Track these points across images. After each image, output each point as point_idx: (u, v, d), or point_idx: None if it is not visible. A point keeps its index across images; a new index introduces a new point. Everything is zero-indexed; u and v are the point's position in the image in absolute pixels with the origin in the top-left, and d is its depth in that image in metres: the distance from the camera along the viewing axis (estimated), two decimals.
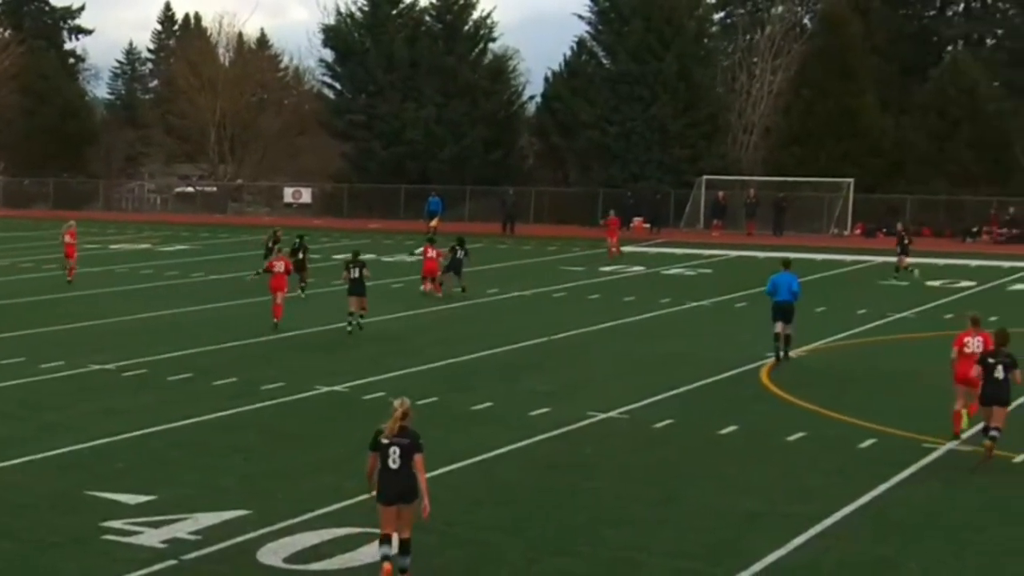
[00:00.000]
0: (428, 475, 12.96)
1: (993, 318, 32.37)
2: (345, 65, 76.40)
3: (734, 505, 15.60)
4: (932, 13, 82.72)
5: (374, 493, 12.90)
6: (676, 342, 28.67)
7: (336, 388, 22.53)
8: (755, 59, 73.30)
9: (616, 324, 31.31)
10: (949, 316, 33.29)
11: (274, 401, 21.51)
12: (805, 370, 25.21)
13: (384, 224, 65.93)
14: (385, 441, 12.69)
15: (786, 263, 27.13)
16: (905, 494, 16.18)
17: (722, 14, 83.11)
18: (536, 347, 27.61)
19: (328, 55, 77.65)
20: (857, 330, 30.59)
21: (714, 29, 77.33)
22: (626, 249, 51.24)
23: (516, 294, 37.24)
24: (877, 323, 31.81)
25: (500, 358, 26.23)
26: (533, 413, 20.54)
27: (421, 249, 38.48)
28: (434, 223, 57.93)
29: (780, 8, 76.31)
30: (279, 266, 31.05)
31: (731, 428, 19.61)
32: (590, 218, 65.64)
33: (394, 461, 12.64)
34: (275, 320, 30.07)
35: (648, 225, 63.82)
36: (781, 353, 25.82)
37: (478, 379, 23.85)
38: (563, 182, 73.03)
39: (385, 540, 12.74)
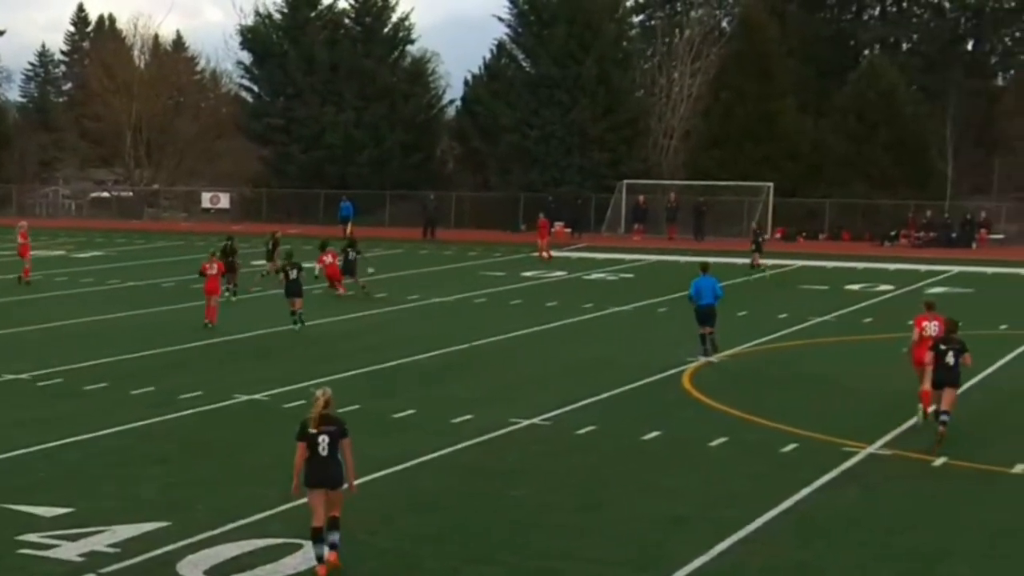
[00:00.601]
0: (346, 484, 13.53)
1: (911, 321, 32.88)
2: (263, 68, 75.90)
3: (658, 511, 15.71)
4: (849, 17, 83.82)
5: (296, 483, 13.38)
6: (598, 347, 28.80)
7: (256, 396, 22.40)
8: (674, 62, 73.76)
9: (538, 330, 31.40)
10: (868, 320, 33.76)
11: (194, 410, 21.35)
12: (727, 375, 25.42)
13: (303, 229, 65.46)
14: (313, 431, 13.19)
15: (704, 267, 28.00)
16: (827, 498, 16.37)
17: (641, 17, 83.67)
18: (458, 353, 27.63)
19: (246, 57, 77.15)
20: (778, 334, 30.90)
21: (633, 32, 77.77)
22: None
23: (438, 300, 37.22)
24: (798, 327, 32.14)
25: (422, 364, 26.21)
26: (455, 420, 20.55)
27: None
28: (349, 228, 57.72)
29: (699, 11, 76.88)
30: (212, 269, 31.66)
31: (654, 434, 19.73)
32: (511, 223, 65.78)
33: (323, 449, 13.18)
34: (208, 322, 30.56)
35: (569, 230, 64.03)
36: (711, 356, 26.56)
37: (400, 386, 23.83)
38: (484, 186, 73.01)
39: (318, 538, 13.15)
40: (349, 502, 13.67)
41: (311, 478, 13.24)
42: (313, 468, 13.20)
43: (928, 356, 19.46)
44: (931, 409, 19.66)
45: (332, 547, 13.28)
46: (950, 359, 19.26)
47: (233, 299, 36.15)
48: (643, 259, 51.56)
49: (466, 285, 40.71)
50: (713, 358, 26.57)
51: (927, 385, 19.59)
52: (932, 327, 20.68)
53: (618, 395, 22.99)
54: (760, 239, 42.93)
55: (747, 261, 47.67)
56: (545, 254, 49.93)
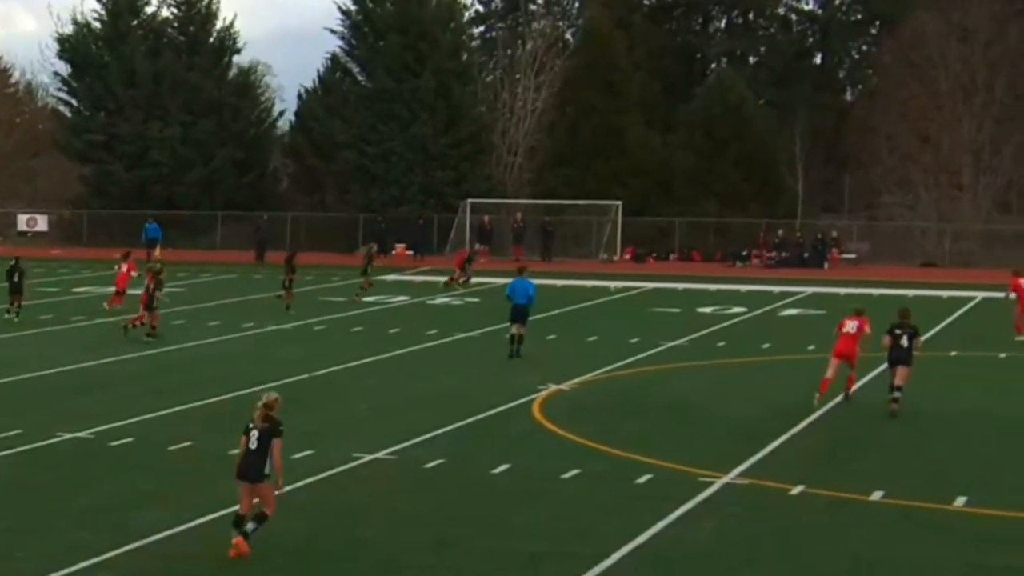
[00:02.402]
0: (185, 526, 15.36)
1: (765, 345, 33.63)
2: (82, 80, 74.42)
3: (512, 547, 15.79)
4: (695, 29, 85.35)
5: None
6: (445, 376, 28.84)
7: (80, 434, 21.96)
8: (517, 75, 74.19)
9: (381, 358, 31.34)
10: (722, 344, 34.33)
11: (13, 450, 20.85)
12: (578, 403, 25.63)
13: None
14: (250, 425, 15.31)
15: (521, 270, 32.64)
16: (684, 531, 16.59)
17: (482, 28, 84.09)
18: (297, 384, 27.38)
19: (63, 68, 75.59)
20: (630, 360, 31.26)
21: (474, 44, 78.11)
22: (389, 278, 51.41)
23: (274, 328, 36.92)
24: (650, 352, 32.54)
25: (259, 397, 25.84)
26: (295, 456, 20.32)
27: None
28: (157, 251, 56.78)
29: (541, 23, 77.46)
30: None
31: (504, 466, 19.81)
32: (350, 245, 65.54)
33: (253, 443, 15.23)
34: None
35: (411, 252, 63.99)
36: (515, 351, 30.23)
37: (234, 420, 23.45)
38: (320, 206, 72.56)
39: (236, 523, 15.05)
40: (188, 549, 13.50)
41: (238, 469, 15.26)
42: (241, 460, 15.26)
43: (886, 339, 24.32)
44: (824, 394, 24.59)
45: (244, 535, 14.94)
46: (904, 341, 24.11)
47: (16, 320, 36.62)
48: (489, 282, 51.65)
49: (304, 312, 40.43)
50: (564, 386, 26.79)
51: (829, 374, 24.60)
52: (852, 325, 25.09)
53: (466, 426, 23.04)
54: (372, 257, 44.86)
55: (598, 284, 48.12)
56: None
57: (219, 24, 76.37)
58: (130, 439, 21.53)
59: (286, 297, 41.47)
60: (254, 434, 15.20)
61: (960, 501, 17.97)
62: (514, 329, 30.82)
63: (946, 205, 66.46)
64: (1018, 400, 26.55)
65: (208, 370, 29.57)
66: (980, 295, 46.39)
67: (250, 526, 15.06)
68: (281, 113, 79.39)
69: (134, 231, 69.57)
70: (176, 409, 24.27)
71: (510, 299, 31.16)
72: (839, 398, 25.32)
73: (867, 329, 25.15)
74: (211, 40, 76.06)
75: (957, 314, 40.82)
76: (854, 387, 25.63)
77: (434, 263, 60.16)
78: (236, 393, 26.04)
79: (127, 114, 72.82)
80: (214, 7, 76.05)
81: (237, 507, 15.40)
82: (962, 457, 21.26)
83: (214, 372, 29.16)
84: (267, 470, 15.17)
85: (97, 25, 75.18)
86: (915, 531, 16.71)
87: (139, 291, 35.29)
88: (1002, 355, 32.10)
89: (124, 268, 39.33)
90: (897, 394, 23.89)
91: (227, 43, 76.52)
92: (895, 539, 16.36)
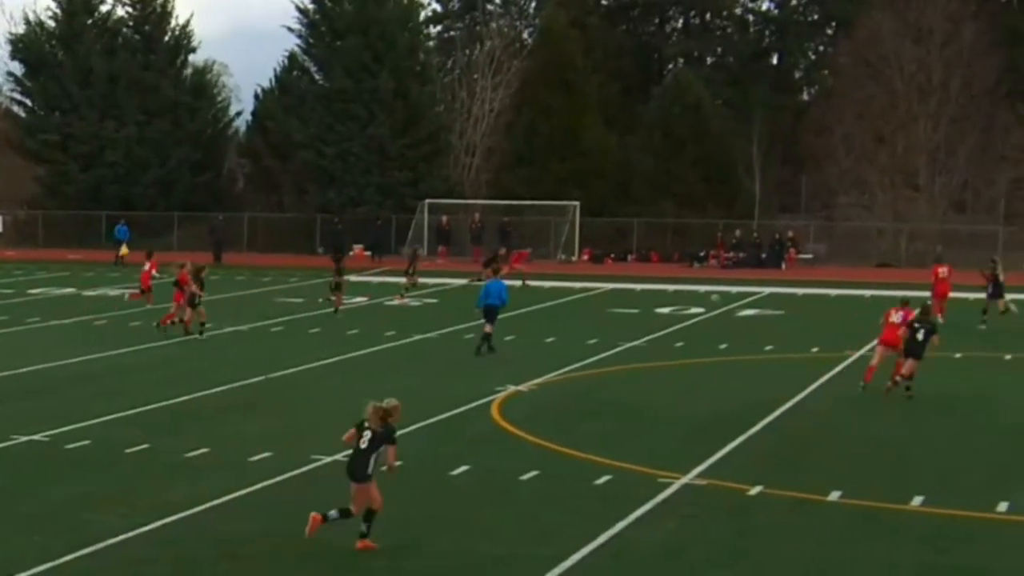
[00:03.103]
0: (142, 529, 15.48)
1: (723, 345, 33.76)
2: (36, 79, 73.88)
3: (472, 549, 15.80)
4: (651, 29, 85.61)
5: None
6: (403, 377, 28.79)
7: (36, 437, 21.82)
8: (475, 75, 74.22)
9: (340, 359, 31.28)
10: (680, 344, 34.43)
11: None
12: (537, 404, 25.65)
13: (84, 254, 64.13)
14: (365, 424, 15.62)
15: (496, 271, 34.09)
16: (644, 532, 16.64)
17: (439, 28, 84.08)
18: (255, 386, 27.34)
19: (17, 68, 74.98)
20: (588, 360, 31.31)
21: (431, 44, 78.07)
22: (347, 279, 51.16)
23: (231, 329, 36.79)
24: (608, 353, 32.61)
25: (216, 399, 25.86)
26: (254, 459, 20.33)
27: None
28: (124, 250, 56.83)
29: (499, 23, 77.52)
30: None
31: (463, 468, 19.82)
32: (307, 245, 65.36)
33: (363, 443, 15.57)
34: None
35: (369, 253, 63.90)
36: (484, 355, 31.01)
37: (192, 423, 23.46)
38: (277, 207, 72.33)
39: (344, 513, 15.62)
40: (145, 553, 13.40)
41: (347, 467, 15.78)
42: (351, 459, 15.74)
43: (902, 331, 26.08)
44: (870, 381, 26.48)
45: (362, 535, 15.49)
46: (920, 336, 25.89)
47: None
48: (448, 283, 51.73)
49: (261, 313, 40.32)
50: (523, 387, 26.84)
51: (875, 362, 26.69)
52: (898, 316, 26.72)
53: (425, 428, 23.00)
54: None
55: (557, 285, 48.17)
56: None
57: (174, 23, 76.12)
58: (86, 442, 21.42)
59: (336, 300, 40.22)
60: (367, 434, 15.53)
61: (917, 501, 18.09)
62: (488, 328, 31.67)
63: (902, 205, 66.87)
64: (974, 399, 26.77)
65: (165, 372, 29.41)
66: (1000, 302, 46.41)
67: (363, 527, 15.55)
68: (238, 114, 79.20)
69: (90, 232, 69.39)
70: (133, 411, 24.14)
71: (482, 301, 31.98)
72: (787, 405, 25.40)
73: (935, 342, 26.39)
74: (166, 39, 75.71)
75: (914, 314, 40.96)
76: (903, 371, 26.44)
77: (392, 264, 60.05)
78: (194, 395, 25.98)
79: (82, 113, 72.41)
80: (169, 6, 75.73)
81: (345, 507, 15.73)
82: (919, 457, 21.39)
83: (171, 374, 29.01)
84: (369, 470, 15.52)
85: (51, 24, 74.70)
86: (872, 531, 16.81)
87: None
88: (957, 355, 32.34)
89: (147, 267, 40.41)
90: (908, 383, 25.97)
91: (182, 42, 76.19)
92: (853, 539, 16.46)
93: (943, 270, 39.95)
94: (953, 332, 33.82)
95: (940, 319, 36.08)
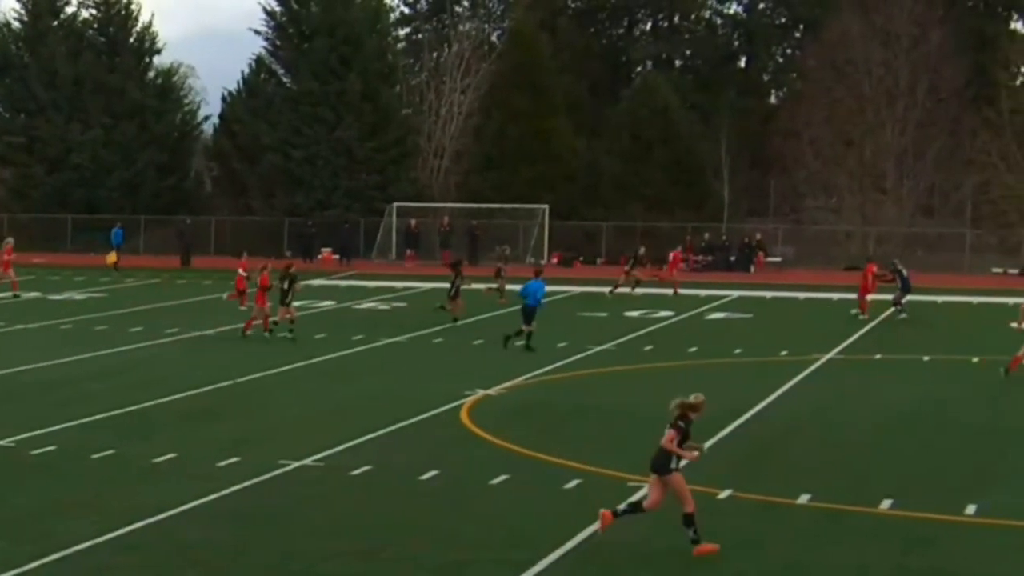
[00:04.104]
0: (110, 535, 15.40)
1: (692, 349, 33.81)
2: (1, 81, 73.67)
3: (441, 554, 15.75)
4: (620, 32, 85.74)
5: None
6: (372, 382, 28.77)
7: (1, 443, 21.68)
8: (444, 78, 74.20)
9: (307, 364, 31.19)
10: (649, 348, 34.48)
11: None
12: (506, 408, 25.64)
13: (49, 258, 63.71)
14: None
15: (537, 272, 35.37)
16: (614, 535, 16.62)
17: (408, 30, 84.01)
18: (221, 391, 27.25)
19: None
20: (557, 364, 31.30)
21: (400, 46, 78.00)
22: (315, 283, 51.14)
23: (198, 334, 36.67)
24: (577, 357, 32.63)
25: (182, 404, 25.75)
26: (221, 464, 20.25)
27: None
28: (113, 255, 56.66)
29: (467, 25, 77.50)
30: None
31: (432, 473, 19.78)
32: (275, 249, 65.19)
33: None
34: None
35: (337, 256, 63.81)
36: (513, 342, 32.84)
37: (159, 428, 23.35)
38: (245, 210, 72.08)
39: (633, 508, 16.11)
40: (112, 559, 13.32)
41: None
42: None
43: None
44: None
45: (693, 540, 15.61)
46: None
47: None
48: (417, 286, 51.68)
49: (228, 318, 40.15)
50: (492, 391, 26.84)
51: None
52: None
53: (393, 432, 22.98)
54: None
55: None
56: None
57: (140, 25, 75.83)
58: (52, 447, 21.29)
59: (452, 308, 38.78)
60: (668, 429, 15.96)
61: (886, 504, 18.14)
62: (528, 327, 33.30)
63: (870, 209, 67.17)
64: (942, 403, 26.85)
65: (132, 376, 29.29)
66: (904, 298, 46.73)
67: (690, 534, 15.66)
68: (206, 118, 78.95)
69: (56, 235, 68.98)
70: (98, 416, 24.03)
71: (523, 298, 33.82)
72: (756, 408, 25.37)
73: None
74: (131, 41, 75.46)
75: (881, 317, 41.21)
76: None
77: (362, 268, 59.98)
78: (160, 400, 25.87)
79: (48, 116, 72.14)
80: (133, 8, 75.54)
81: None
82: (887, 460, 21.45)
83: (137, 379, 28.89)
84: (673, 464, 15.81)
85: (17, 25, 74.46)
86: (842, 533, 16.86)
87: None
88: (926, 358, 32.47)
89: (241, 269, 41.62)
90: None
91: (147, 43, 75.92)
92: (823, 542, 16.51)
93: (876, 269, 42.72)
94: (917, 337, 33.91)
95: (864, 315, 39.84)
